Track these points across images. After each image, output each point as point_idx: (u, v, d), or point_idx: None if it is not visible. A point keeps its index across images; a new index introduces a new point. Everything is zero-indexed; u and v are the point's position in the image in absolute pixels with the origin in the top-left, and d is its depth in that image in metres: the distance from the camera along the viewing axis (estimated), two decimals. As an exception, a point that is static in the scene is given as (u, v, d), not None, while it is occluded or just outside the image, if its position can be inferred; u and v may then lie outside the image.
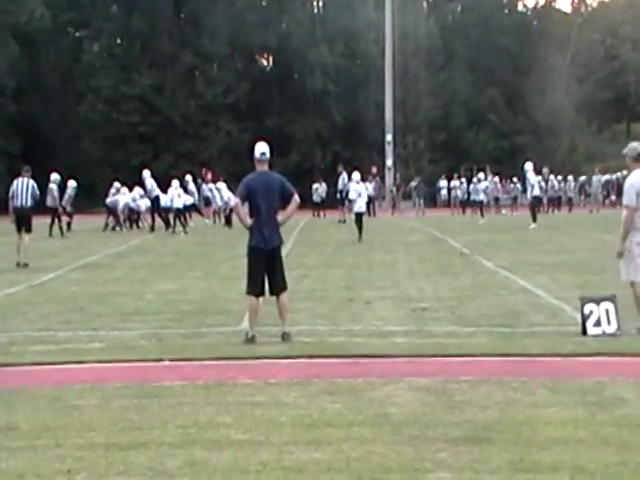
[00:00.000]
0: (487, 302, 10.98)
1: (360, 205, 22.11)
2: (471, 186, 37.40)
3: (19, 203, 16.34)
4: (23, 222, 16.31)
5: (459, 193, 42.17)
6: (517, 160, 52.70)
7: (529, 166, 25.95)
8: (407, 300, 11.37)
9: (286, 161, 47.29)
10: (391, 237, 23.41)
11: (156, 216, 26.92)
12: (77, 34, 58.69)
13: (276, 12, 56.15)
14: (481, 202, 34.02)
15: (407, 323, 9.63)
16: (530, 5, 62.53)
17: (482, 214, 32.67)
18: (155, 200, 26.98)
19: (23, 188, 16.34)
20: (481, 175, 36.40)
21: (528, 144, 55.64)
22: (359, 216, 21.90)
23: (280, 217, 8.86)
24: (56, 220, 25.33)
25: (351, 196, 22.72)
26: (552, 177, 40.80)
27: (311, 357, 7.89)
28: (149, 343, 8.68)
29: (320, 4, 59.57)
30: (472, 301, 11.11)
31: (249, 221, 8.72)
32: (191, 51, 53.60)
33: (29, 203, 16.29)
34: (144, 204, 28.26)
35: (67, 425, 5.76)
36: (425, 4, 59.24)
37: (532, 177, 25.84)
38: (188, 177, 31.23)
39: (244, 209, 8.81)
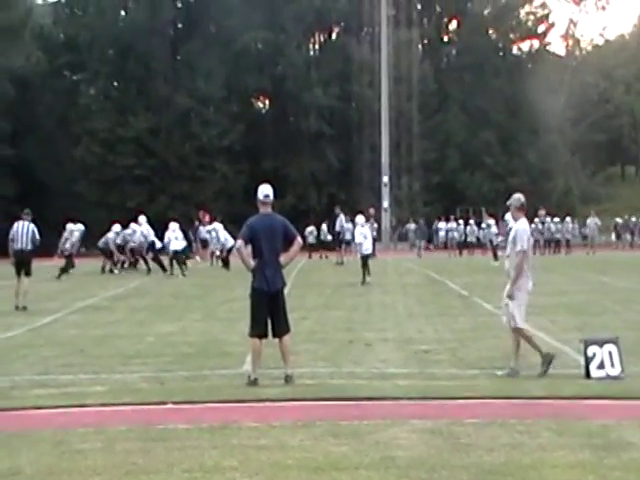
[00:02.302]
0: (488, 344, 10.97)
1: (367, 247, 21.99)
2: (481, 232, 37.67)
3: (19, 246, 16.32)
4: (23, 266, 16.28)
5: (456, 235, 42.35)
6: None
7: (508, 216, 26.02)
8: (408, 342, 11.36)
9: (282, 203, 47.36)
10: (389, 279, 23.43)
11: (150, 259, 27.02)
12: (73, 77, 59.16)
13: (271, 55, 56.79)
14: (492, 243, 33.30)
15: (409, 365, 9.62)
16: (524, 48, 63.25)
17: (495, 256, 31.71)
18: (151, 245, 27.09)
19: (23, 231, 16.34)
20: (491, 221, 35.89)
21: (523, 186, 55.72)
22: (365, 258, 21.70)
23: (283, 259, 8.89)
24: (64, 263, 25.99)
25: (357, 240, 22.67)
26: (548, 219, 40.97)
27: (314, 399, 7.87)
28: (151, 386, 8.65)
29: (315, 47, 60.32)
30: (473, 343, 11.10)
31: (252, 263, 8.75)
32: (186, 94, 54.04)
33: (29, 247, 16.28)
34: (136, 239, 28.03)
35: (71, 469, 5.72)
36: (420, 47, 59.94)
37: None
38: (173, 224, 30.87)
39: (247, 251, 8.84)
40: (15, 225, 16.76)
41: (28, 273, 16.27)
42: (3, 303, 17.90)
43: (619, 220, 47.17)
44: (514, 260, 8.89)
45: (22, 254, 16.29)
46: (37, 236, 16.51)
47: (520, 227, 9.07)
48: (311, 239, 37.42)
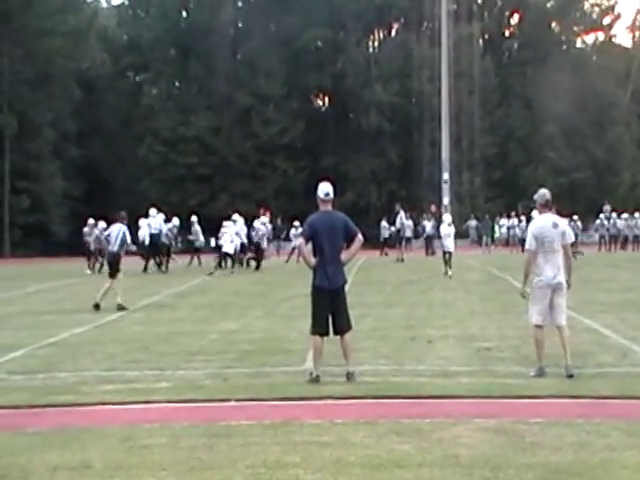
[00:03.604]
0: (552, 342, 10.76)
1: (448, 244, 23.58)
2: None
3: (110, 248, 16.67)
4: (110, 267, 16.58)
5: (517, 231, 41.76)
6: (576, 197, 52.14)
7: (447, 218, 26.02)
8: (470, 339, 11.26)
9: (341, 200, 47.46)
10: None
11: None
12: (136, 78, 60.27)
13: (331, 52, 56.85)
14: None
15: (471, 363, 9.53)
16: (589, 41, 62.03)
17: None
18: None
19: (118, 234, 16.58)
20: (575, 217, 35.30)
21: (587, 180, 54.98)
22: (448, 254, 23.37)
23: (344, 256, 8.88)
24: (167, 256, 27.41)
25: (442, 236, 24.49)
26: (614, 215, 40.12)
27: (376, 397, 7.85)
28: (214, 383, 8.74)
29: (375, 44, 60.16)
30: (533, 342, 10.91)
31: (313, 261, 8.77)
32: (247, 92, 54.47)
33: (116, 248, 16.47)
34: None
35: (139, 464, 5.82)
36: (481, 41, 59.26)
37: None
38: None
39: (307, 248, 8.86)
40: (111, 227, 17.18)
41: (111, 275, 16.37)
42: (70, 301, 18.34)
43: None
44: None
45: (111, 256, 16.64)
46: (127, 239, 16.67)
47: (532, 223, 9.23)
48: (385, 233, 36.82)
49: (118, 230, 16.71)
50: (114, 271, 16.35)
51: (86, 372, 9.51)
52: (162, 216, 28.46)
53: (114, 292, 16.06)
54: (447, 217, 25.21)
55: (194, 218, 30.55)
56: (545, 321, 8.85)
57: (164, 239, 27.90)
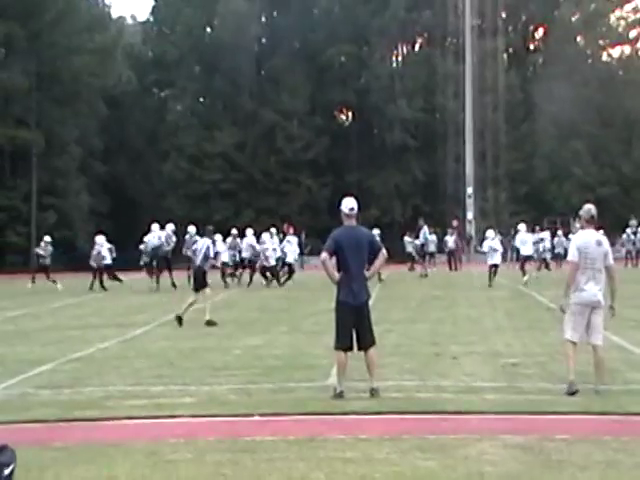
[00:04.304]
0: (578, 359, 10.64)
1: (493, 259, 25.05)
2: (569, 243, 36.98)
3: (196, 263, 16.55)
4: (196, 281, 16.33)
5: (541, 247, 41.39)
6: (602, 213, 51.71)
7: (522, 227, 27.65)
8: (495, 355, 11.18)
9: (365, 215, 47.47)
10: (475, 292, 23.15)
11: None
12: (162, 94, 60.82)
13: (355, 68, 57.05)
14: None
15: (496, 379, 9.46)
16: (615, 55, 61.65)
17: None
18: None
19: (203, 248, 16.43)
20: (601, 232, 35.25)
21: (613, 196, 54.56)
22: (492, 267, 24.87)
23: (368, 272, 8.89)
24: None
25: (484, 250, 25.96)
26: (640, 229, 39.78)
27: (401, 413, 7.82)
28: (239, 398, 8.75)
29: (399, 59, 60.29)
30: (563, 357, 10.82)
31: (337, 276, 8.77)
32: (271, 108, 54.76)
33: (199, 262, 16.28)
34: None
35: (165, 479, 5.83)
36: (505, 56, 59.18)
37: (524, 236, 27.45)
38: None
39: (331, 263, 8.87)
40: (198, 242, 17.23)
41: (196, 289, 16.12)
42: (96, 316, 18.47)
43: None
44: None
45: (196, 270, 16.50)
46: (210, 253, 16.48)
47: (576, 237, 9.10)
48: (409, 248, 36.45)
49: (202, 244, 16.60)
50: (199, 285, 16.09)
51: (111, 387, 9.56)
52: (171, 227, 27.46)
53: (203, 307, 15.85)
54: (490, 232, 26.15)
55: (218, 237, 29.25)
56: (580, 339, 8.71)
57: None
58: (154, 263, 26.38)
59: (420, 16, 56.47)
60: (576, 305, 8.70)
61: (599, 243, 8.77)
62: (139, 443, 6.91)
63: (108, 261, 27.50)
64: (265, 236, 27.46)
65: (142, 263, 26.91)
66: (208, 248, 16.50)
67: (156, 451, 6.60)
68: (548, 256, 28.21)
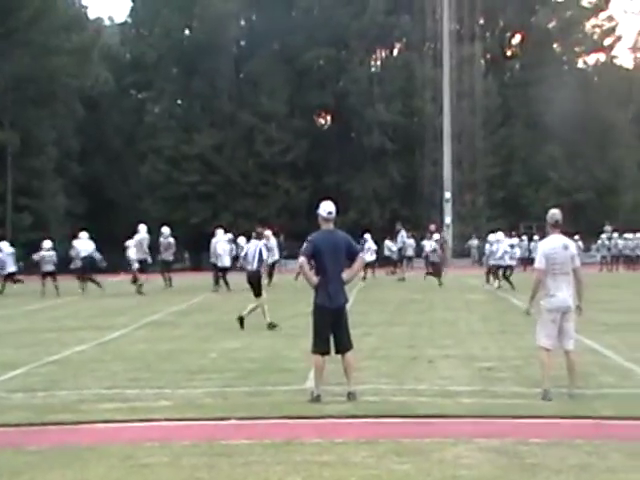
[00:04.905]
0: (552, 363, 10.77)
1: (503, 260, 25.17)
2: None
3: (248, 267, 15.88)
4: (252, 286, 15.78)
5: (518, 251, 41.70)
6: (578, 218, 52.12)
7: (500, 236, 26.46)
8: (471, 359, 11.24)
9: (343, 219, 47.55)
10: (452, 295, 23.25)
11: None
12: (139, 96, 60.55)
13: (334, 71, 57.13)
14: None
15: (472, 383, 9.52)
16: (591, 62, 62.29)
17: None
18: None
19: (255, 251, 15.91)
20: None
21: (589, 202, 55.06)
22: (504, 269, 25.18)
23: (346, 275, 8.89)
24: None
25: (498, 254, 25.60)
26: (615, 235, 40.16)
27: (377, 416, 7.85)
28: (215, 401, 8.73)
29: (377, 63, 60.46)
30: (537, 361, 10.91)
31: (315, 280, 8.78)
32: (250, 111, 54.71)
33: (255, 266, 15.75)
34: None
35: (139, 483, 5.82)
36: (483, 62, 59.55)
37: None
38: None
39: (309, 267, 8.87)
40: (247, 245, 16.82)
41: (256, 294, 15.66)
42: (72, 319, 18.35)
43: None
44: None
45: (251, 275, 15.80)
46: (264, 255, 16.03)
47: (542, 243, 9.07)
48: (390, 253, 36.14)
49: (255, 247, 16.02)
50: (259, 290, 15.59)
51: (87, 390, 9.51)
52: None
53: (262, 311, 15.53)
54: (500, 234, 26.14)
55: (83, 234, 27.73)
56: (553, 344, 8.76)
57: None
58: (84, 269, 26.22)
59: (399, 20, 56.68)
60: (548, 311, 8.75)
61: (565, 247, 8.80)
62: (114, 447, 6.88)
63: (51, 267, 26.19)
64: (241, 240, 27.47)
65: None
66: (261, 251, 15.91)
67: (131, 455, 6.57)
68: (513, 263, 28.08)
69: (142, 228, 26.42)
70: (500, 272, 25.28)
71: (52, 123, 51.27)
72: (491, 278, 25.83)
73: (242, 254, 16.74)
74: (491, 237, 26.34)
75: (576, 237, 42.37)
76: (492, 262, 25.45)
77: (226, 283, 25.60)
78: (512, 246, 27.36)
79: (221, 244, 26.11)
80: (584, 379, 9.49)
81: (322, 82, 56.88)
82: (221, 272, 25.86)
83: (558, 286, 8.68)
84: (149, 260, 26.51)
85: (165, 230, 27.17)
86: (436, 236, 30.87)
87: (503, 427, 7.39)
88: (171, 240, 27.20)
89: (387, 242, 36.87)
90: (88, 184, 53.64)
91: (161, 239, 26.94)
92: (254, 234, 16.89)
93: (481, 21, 60.29)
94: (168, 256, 27.17)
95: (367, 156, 54.82)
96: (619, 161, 56.90)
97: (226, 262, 25.87)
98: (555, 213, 8.95)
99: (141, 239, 26.10)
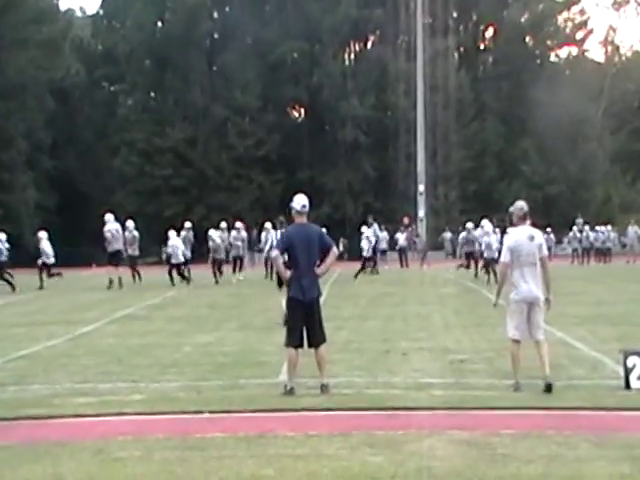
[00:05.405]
0: (525, 354, 10.84)
1: (489, 253, 23.77)
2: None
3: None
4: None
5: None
6: (550, 211, 52.60)
7: (489, 227, 25.41)
8: (444, 352, 11.31)
9: (317, 213, 47.55)
10: (425, 289, 23.36)
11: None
12: (112, 89, 60.08)
13: (307, 65, 57.02)
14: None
15: (445, 375, 9.58)
16: (563, 55, 62.76)
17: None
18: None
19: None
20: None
21: (561, 195, 55.52)
22: (488, 261, 23.88)
23: (319, 269, 8.91)
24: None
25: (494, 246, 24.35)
26: (587, 227, 40.53)
27: (350, 409, 7.88)
28: (188, 395, 8.72)
29: (351, 57, 60.42)
30: (509, 353, 11.00)
31: (288, 273, 8.79)
32: (223, 104, 54.50)
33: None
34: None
35: (112, 477, 5.81)
36: (456, 55, 59.75)
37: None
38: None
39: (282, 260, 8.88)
40: (270, 234, 16.77)
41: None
42: (43, 314, 18.20)
43: None
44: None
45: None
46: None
47: (508, 236, 9.11)
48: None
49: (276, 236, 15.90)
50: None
51: (58, 385, 9.45)
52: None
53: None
54: (488, 226, 25.01)
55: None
56: (523, 336, 8.83)
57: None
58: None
59: (372, 14, 56.66)
60: (516, 303, 8.83)
61: (531, 238, 8.84)
62: (86, 441, 6.84)
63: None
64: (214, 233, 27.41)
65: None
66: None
67: (103, 449, 6.54)
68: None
69: (110, 217, 25.71)
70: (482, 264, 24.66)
71: (22, 116, 50.72)
72: (481, 272, 25.11)
73: (266, 245, 16.39)
74: (479, 230, 25.62)
75: (548, 229, 42.81)
76: (488, 255, 24.07)
77: (183, 278, 25.59)
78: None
79: (174, 240, 26.20)
80: (555, 371, 9.57)
81: (295, 76, 56.77)
82: (176, 267, 25.82)
83: (524, 277, 8.75)
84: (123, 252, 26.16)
85: (129, 224, 26.60)
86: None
87: (475, 419, 7.45)
88: (135, 234, 26.64)
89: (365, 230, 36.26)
90: (59, 177, 53.17)
91: (126, 233, 26.31)
92: (277, 223, 16.76)
93: (454, 15, 60.48)
94: (134, 251, 26.62)
95: (341, 150, 54.84)
96: (590, 155, 57.43)
97: (180, 257, 25.88)
98: (523, 205, 9.01)
99: (115, 229, 25.62)
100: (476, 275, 25.92)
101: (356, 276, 27.71)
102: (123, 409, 8.03)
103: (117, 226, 25.64)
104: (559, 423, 7.17)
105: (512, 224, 9.23)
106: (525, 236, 8.83)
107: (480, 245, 25.37)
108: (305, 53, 56.87)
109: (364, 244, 30.12)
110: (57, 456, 6.38)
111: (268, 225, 25.73)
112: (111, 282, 24.45)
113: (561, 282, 24.15)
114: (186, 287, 24.94)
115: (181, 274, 25.86)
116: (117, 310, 17.99)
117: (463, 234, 28.92)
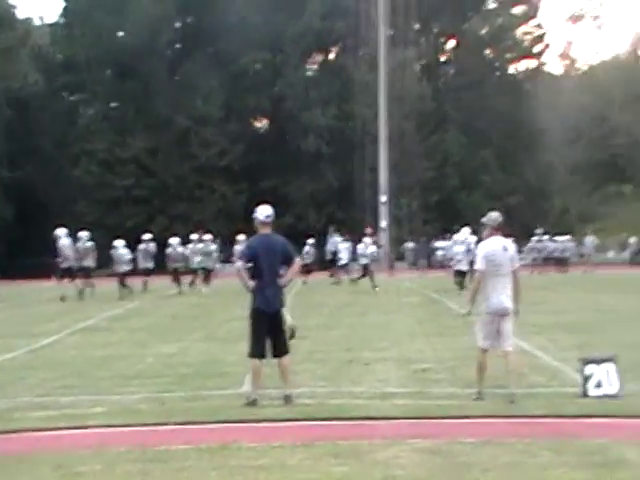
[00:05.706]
0: (489, 364, 10.96)
1: (462, 263, 23.68)
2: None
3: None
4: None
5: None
6: (510, 221, 53.08)
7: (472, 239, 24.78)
8: (407, 361, 11.37)
9: (280, 223, 47.31)
10: (388, 299, 23.45)
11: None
12: (71, 98, 59.40)
13: (270, 75, 57.03)
14: None
15: (408, 385, 9.63)
16: (521, 68, 63.51)
17: None
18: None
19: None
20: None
21: (520, 205, 56.11)
22: (460, 274, 23.76)
23: (282, 280, 8.92)
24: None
25: (457, 255, 24.47)
26: (546, 237, 41.02)
27: (313, 419, 7.89)
28: (150, 407, 8.65)
29: (314, 67, 60.58)
30: (472, 362, 11.00)
31: (251, 284, 8.78)
32: (185, 114, 54.23)
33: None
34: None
35: (72, 491, 5.73)
36: (418, 67, 60.23)
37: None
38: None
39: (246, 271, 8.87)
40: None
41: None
42: (3, 325, 17.94)
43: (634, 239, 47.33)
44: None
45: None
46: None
47: (482, 245, 9.10)
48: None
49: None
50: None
51: (18, 398, 9.30)
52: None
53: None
54: (471, 237, 24.44)
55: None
56: (492, 345, 8.87)
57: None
58: None
59: (334, 25, 56.87)
60: (486, 313, 8.89)
61: (505, 249, 8.95)
62: (45, 455, 6.75)
63: None
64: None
65: None
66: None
67: (63, 463, 6.46)
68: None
69: (61, 232, 25.36)
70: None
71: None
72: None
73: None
74: (460, 237, 25.10)
75: (510, 239, 43.09)
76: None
77: (124, 286, 25.37)
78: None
79: (120, 250, 26.22)
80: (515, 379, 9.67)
81: (258, 86, 56.73)
82: (121, 277, 25.68)
83: (495, 288, 8.81)
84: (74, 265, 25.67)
85: (83, 235, 25.97)
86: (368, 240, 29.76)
87: (437, 427, 7.50)
88: (89, 245, 25.94)
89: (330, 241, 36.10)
90: (17, 188, 52.45)
91: (78, 244, 25.59)
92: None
93: (416, 27, 60.95)
94: (88, 262, 25.83)
95: (304, 160, 54.88)
96: (548, 166, 58.21)
97: (125, 267, 25.90)
98: (497, 216, 9.10)
99: (66, 245, 25.20)
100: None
101: (374, 287, 26.63)
102: (84, 422, 7.95)
103: (68, 242, 25.19)
104: (520, 431, 7.25)
105: (481, 236, 9.23)
106: (500, 246, 8.91)
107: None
108: (268, 63, 56.90)
109: (343, 254, 31.32)
110: (15, 471, 6.29)
111: (241, 237, 25.79)
112: (63, 298, 23.88)
113: (522, 291, 24.39)
114: (130, 295, 24.69)
115: (122, 283, 25.61)
116: (78, 322, 17.79)
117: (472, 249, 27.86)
